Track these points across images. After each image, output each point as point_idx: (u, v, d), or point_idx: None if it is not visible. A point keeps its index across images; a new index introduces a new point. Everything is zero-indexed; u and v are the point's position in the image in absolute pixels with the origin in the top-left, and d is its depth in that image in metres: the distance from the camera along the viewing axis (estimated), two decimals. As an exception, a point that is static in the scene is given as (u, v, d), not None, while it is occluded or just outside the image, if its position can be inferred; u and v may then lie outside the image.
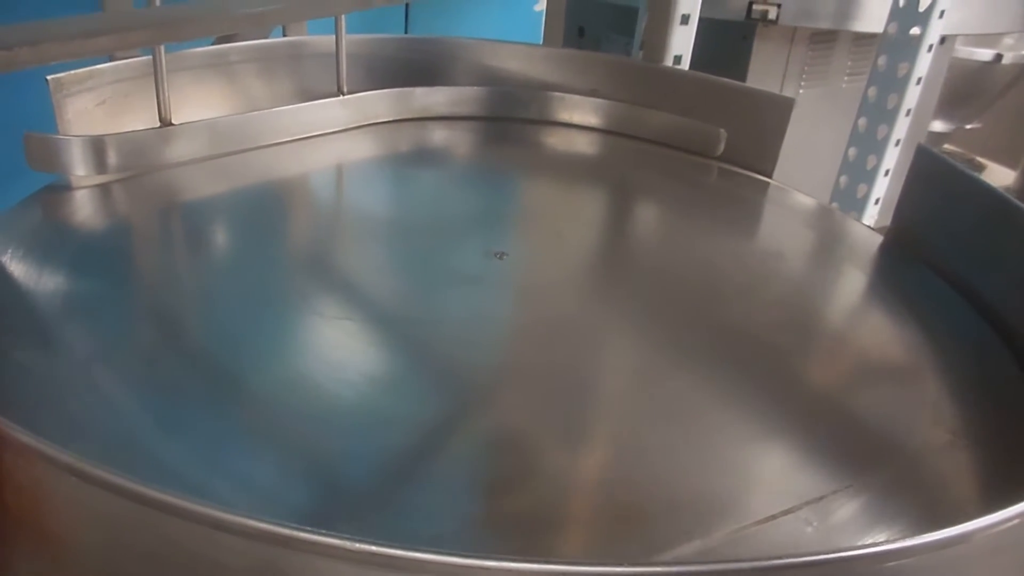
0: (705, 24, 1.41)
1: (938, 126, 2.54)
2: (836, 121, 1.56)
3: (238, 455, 0.37)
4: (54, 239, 0.52)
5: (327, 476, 0.37)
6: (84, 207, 0.56)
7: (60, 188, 0.57)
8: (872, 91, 1.29)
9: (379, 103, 0.73)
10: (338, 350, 0.46)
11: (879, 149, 1.28)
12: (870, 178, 1.31)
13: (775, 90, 1.70)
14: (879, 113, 1.28)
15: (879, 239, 0.66)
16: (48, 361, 0.41)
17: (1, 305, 0.45)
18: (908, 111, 1.26)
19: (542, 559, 0.23)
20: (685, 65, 1.02)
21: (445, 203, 0.66)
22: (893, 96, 1.26)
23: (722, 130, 0.76)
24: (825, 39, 1.69)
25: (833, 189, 1.40)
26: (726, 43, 1.62)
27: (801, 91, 1.73)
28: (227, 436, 0.38)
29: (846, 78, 1.76)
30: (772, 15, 1.39)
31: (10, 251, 0.49)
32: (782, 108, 0.73)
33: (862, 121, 1.32)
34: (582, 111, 0.78)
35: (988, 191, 0.58)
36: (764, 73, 1.64)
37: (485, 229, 0.61)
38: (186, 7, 0.40)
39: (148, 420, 0.39)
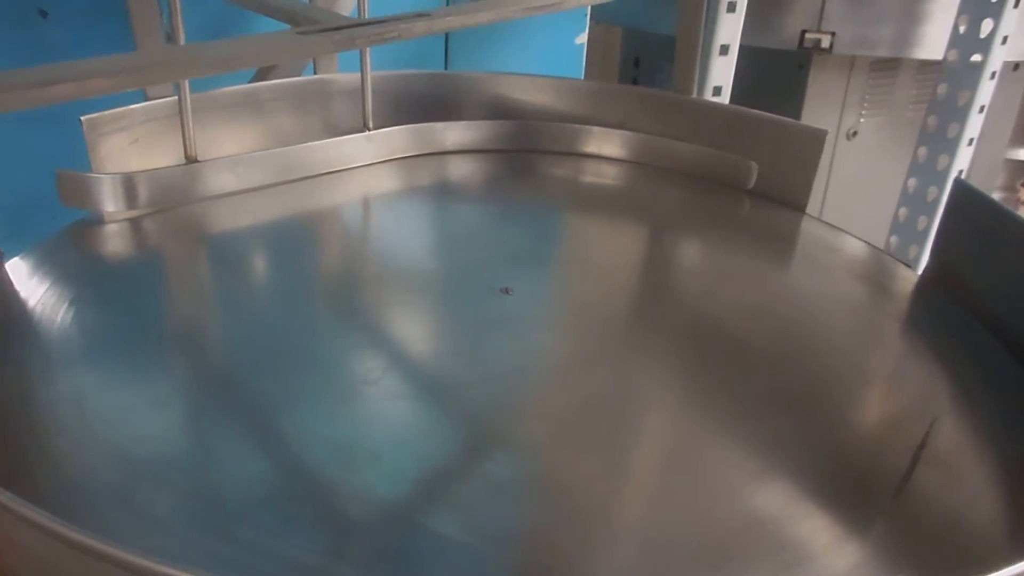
0: (757, 54, 1.39)
1: (1024, 155, 2.43)
2: (901, 151, 1.51)
3: (264, 492, 0.38)
4: (80, 272, 0.54)
5: (352, 523, 0.37)
6: (111, 242, 0.58)
7: (90, 223, 0.59)
8: (932, 120, 1.24)
9: (405, 138, 0.74)
10: (361, 395, 0.46)
11: (940, 180, 1.23)
12: (931, 210, 1.26)
13: (834, 120, 1.66)
14: (939, 143, 1.23)
15: (915, 277, 0.63)
16: (78, 393, 0.43)
17: (29, 335, 0.47)
18: (971, 140, 1.21)
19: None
20: (726, 96, 1.01)
21: (472, 238, 0.66)
22: (954, 125, 1.20)
23: (753, 162, 0.74)
24: (887, 67, 1.64)
25: (892, 221, 1.35)
26: (781, 72, 1.59)
27: (862, 120, 1.68)
28: (253, 477, 0.39)
29: (911, 107, 1.70)
30: (826, 44, 1.36)
31: (39, 282, 0.52)
32: (815, 140, 0.71)
33: (922, 151, 1.27)
34: (610, 144, 0.78)
35: (1026, 228, 0.54)
36: (822, 102, 1.60)
37: (512, 264, 0.61)
38: (156, 53, 0.42)
39: (175, 454, 0.40)
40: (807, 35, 1.36)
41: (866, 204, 1.67)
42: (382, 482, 0.39)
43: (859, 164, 1.73)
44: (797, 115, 1.59)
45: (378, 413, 0.44)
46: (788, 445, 0.44)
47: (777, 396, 0.48)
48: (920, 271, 0.63)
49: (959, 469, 0.43)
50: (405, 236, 0.66)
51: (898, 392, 0.51)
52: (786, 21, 1.43)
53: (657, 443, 0.45)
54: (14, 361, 0.44)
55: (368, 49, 0.67)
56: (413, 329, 0.53)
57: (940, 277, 0.62)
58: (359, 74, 0.71)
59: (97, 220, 0.60)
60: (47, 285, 0.52)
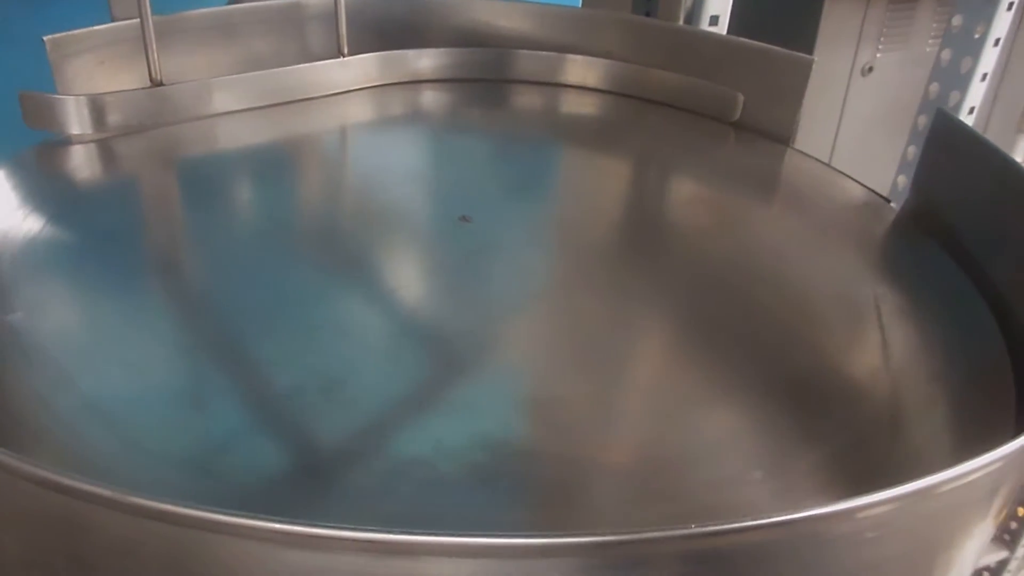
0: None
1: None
2: (919, 88, 1.46)
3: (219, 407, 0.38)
4: (43, 193, 0.54)
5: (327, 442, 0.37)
6: (75, 163, 0.58)
7: (55, 144, 0.59)
8: (945, 53, 1.19)
9: (381, 64, 0.73)
10: (333, 314, 0.46)
11: (951, 117, 1.18)
12: (939, 149, 1.21)
13: (849, 55, 1.61)
14: (951, 78, 1.18)
15: (893, 212, 0.61)
16: (45, 316, 0.43)
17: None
18: (984, 76, 1.16)
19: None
20: (723, 27, 0.97)
21: (446, 171, 0.65)
22: (967, 59, 1.16)
23: (739, 93, 0.72)
24: (907, -2, 1.58)
25: (900, 160, 1.31)
26: (792, 4, 1.53)
27: (879, 56, 1.62)
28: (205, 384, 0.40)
29: (931, 41, 1.64)
30: (840, -28, 1.30)
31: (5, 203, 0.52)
32: (801, 68, 0.68)
33: (934, 86, 1.22)
34: (590, 73, 0.76)
35: (1005, 162, 0.53)
36: (836, 35, 1.55)
37: (484, 196, 0.60)
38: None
39: (144, 376, 0.40)
40: (820, -37, 1.31)
41: (880, 142, 1.63)
42: (357, 404, 0.39)
43: (874, 101, 1.68)
44: (809, 50, 1.54)
45: (355, 336, 0.45)
46: (748, 366, 0.44)
47: (742, 321, 0.48)
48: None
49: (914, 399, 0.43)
50: (377, 166, 0.65)
51: (859, 325, 0.50)
52: (799, -52, 1.37)
53: (628, 365, 0.45)
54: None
55: (341, -30, 0.66)
56: (382, 257, 0.53)
57: (919, 211, 0.60)
58: (335, -3, 0.69)
59: (63, 141, 0.59)
60: (8, 206, 0.52)
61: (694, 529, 0.25)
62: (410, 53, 0.74)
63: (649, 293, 0.51)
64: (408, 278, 0.51)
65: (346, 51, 0.70)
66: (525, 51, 0.76)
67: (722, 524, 0.25)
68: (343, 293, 0.49)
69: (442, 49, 0.75)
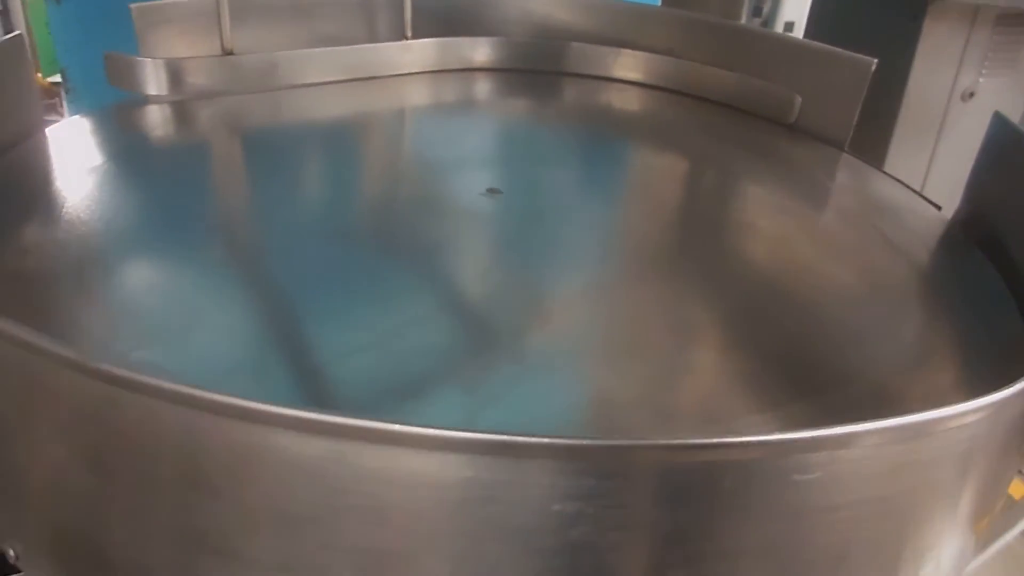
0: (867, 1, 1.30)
1: None
2: (1025, 117, 1.39)
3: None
4: (115, 145, 0.59)
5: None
6: (147, 120, 0.63)
7: (134, 103, 0.64)
8: (1047, 78, 1.13)
9: (443, 50, 0.75)
10: (382, 280, 0.48)
11: (1049, 144, 1.12)
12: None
13: (948, 78, 1.54)
14: (1052, 103, 1.12)
15: (943, 220, 0.59)
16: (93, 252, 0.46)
17: (60, 198, 0.51)
18: (1088, 102, 1.09)
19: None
20: (798, 33, 0.96)
21: (497, 157, 0.67)
22: (1070, 84, 1.09)
23: (797, 95, 0.71)
24: (1016, 21, 1.50)
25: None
26: (890, 23, 1.48)
27: (981, 80, 1.55)
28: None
29: (1042, 67, 1.56)
30: (943, -10, 1.26)
31: (78, 151, 0.57)
32: (860, 71, 0.67)
33: (1032, 112, 1.16)
34: (650, 68, 0.76)
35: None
36: (935, 58, 1.49)
37: (537, 188, 0.62)
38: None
39: (197, 341, 0.41)
40: (920, -21, 1.26)
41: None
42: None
43: (974, 129, 1.59)
44: (905, 72, 1.48)
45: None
46: (783, 356, 0.44)
47: (781, 314, 0.48)
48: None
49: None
50: (431, 147, 0.67)
51: (892, 325, 0.48)
52: (897, -37, 1.33)
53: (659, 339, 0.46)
54: (42, 219, 0.49)
55: (408, -45, 0.69)
56: (427, 232, 0.54)
57: (969, 219, 0.58)
58: (404, -18, 0.72)
59: (141, 100, 0.65)
60: (85, 155, 0.56)
61: (678, 440, 0.26)
62: (471, 40, 0.76)
63: (693, 285, 0.51)
64: (452, 255, 0.52)
65: (410, 34, 0.73)
66: (582, 44, 0.77)
67: (703, 439, 0.26)
68: (399, 265, 0.50)
69: (501, 38, 0.77)
